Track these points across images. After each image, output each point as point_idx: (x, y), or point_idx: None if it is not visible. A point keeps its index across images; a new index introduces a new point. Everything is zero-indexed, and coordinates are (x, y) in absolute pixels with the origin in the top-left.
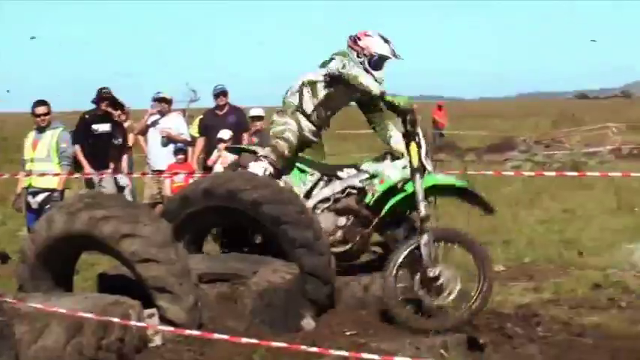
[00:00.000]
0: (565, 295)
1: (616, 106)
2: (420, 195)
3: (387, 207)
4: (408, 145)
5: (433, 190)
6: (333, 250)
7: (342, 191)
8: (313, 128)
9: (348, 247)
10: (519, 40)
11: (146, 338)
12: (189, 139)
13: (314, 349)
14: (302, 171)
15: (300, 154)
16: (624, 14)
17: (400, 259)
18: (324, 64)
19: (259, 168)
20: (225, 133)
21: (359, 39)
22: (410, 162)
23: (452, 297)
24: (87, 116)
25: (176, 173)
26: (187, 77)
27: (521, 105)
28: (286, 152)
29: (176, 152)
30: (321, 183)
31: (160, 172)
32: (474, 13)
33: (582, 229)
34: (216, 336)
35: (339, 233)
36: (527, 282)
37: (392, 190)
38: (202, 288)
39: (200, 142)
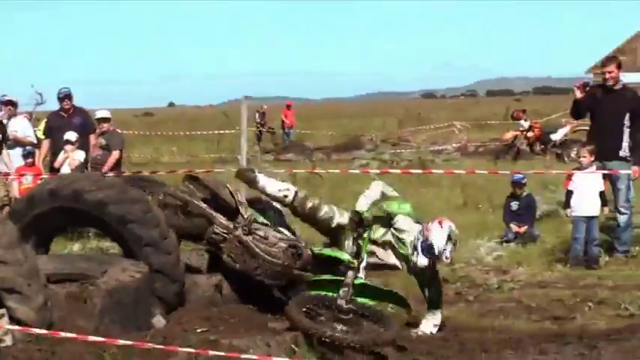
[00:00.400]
0: (413, 291)
1: (462, 105)
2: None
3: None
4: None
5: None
6: (264, 256)
7: None
8: None
9: (277, 261)
10: (364, 40)
11: None
12: (35, 141)
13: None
14: None
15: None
16: (468, 14)
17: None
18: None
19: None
20: (71, 135)
21: (432, 223)
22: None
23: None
24: None
25: (23, 175)
26: (32, 80)
27: (367, 105)
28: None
29: (25, 156)
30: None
31: (7, 174)
32: (319, 12)
33: None
34: (63, 334)
35: (276, 249)
36: (375, 278)
37: (334, 260)
38: (51, 288)
39: (45, 144)
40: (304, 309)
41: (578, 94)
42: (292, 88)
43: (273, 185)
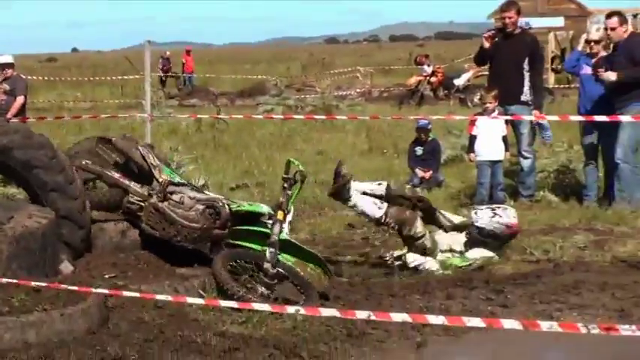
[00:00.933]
0: (321, 235)
1: (365, 51)
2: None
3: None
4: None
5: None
6: (181, 221)
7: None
8: None
9: (195, 225)
10: None
11: None
12: None
13: (74, 288)
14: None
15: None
16: None
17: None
18: None
19: None
20: None
21: None
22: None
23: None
24: None
25: None
26: None
27: (271, 50)
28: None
29: None
30: (188, 187)
31: None
32: None
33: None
34: None
35: (193, 213)
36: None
37: (254, 215)
38: None
39: None
40: (229, 264)
41: (486, 45)
42: (194, 34)
43: (368, 205)
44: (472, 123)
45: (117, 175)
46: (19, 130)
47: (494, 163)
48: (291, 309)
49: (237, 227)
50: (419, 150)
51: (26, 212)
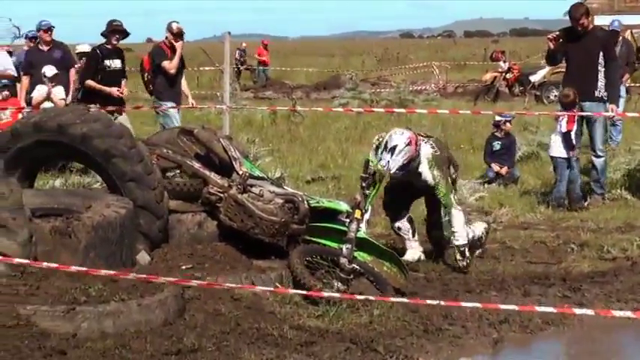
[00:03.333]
0: None
1: (439, 46)
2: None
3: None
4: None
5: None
6: (260, 214)
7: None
8: None
9: (274, 219)
10: None
11: None
12: (15, 74)
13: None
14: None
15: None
16: None
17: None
18: None
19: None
20: (49, 69)
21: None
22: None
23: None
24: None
25: (3, 109)
26: (10, 14)
27: (344, 44)
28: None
29: (1, 89)
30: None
31: None
32: None
33: None
34: (46, 265)
35: (272, 206)
36: None
37: (332, 212)
38: (36, 222)
39: (25, 80)
40: (306, 259)
41: (552, 46)
42: (268, 26)
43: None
44: (572, 120)
45: (197, 165)
46: (99, 119)
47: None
48: (361, 298)
49: (315, 224)
50: (497, 145)
51: (104, 202)
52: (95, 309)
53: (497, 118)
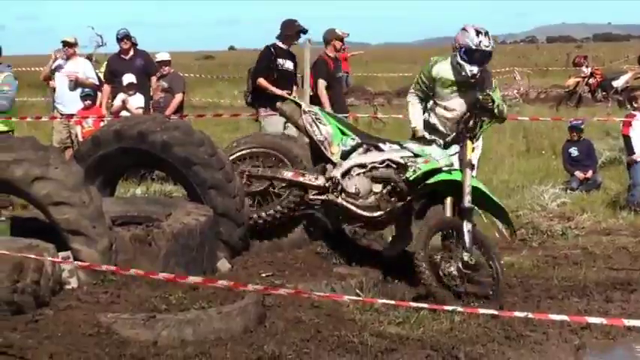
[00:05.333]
0: None
1: (522, 51)
2: (468, 187)
3: (431, 180)
4: (463, 141)
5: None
6: (361, 214)
7: (381, 162)
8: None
9: (377, 214)
10: None
11: (61, 281)
12: (97, 83)
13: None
14: (343, 133)
15: (344, 120)
16: None
17: (429, 241)
18: None
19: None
20: (129, 78)
21: (458, 33)
22: (462, 155)
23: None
24: None
25: (86, 117)
26: (93, 22)
27: (428, 50)
28: None
29: (84, 97)
30: (360, 149)
31: (70, 116)
32: None
33: (494, 171)
34: (133, 271)
35: (372, 199)
36: None
37: (433, 172)
38: (116, 231)
39: (107, 88)
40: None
41: None
42: (352, 33)
43: None
44: (627, 124)
45: (290, 175)
46: (180, 127)
47: None
48: (448, 308)
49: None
50: (574, 151)
51: (184, 209)
52: (175, 317)
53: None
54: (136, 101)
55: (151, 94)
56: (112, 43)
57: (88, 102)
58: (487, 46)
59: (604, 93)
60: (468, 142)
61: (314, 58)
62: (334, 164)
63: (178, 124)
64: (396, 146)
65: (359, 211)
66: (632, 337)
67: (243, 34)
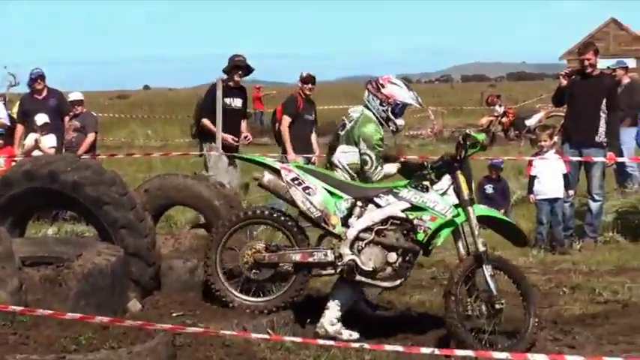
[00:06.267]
0: None
1: (437, 90)
2: (476, 229)
3: (439, 242)
4: (454, 173)
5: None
6: (383, 285)
7: (383, 222)
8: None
9: (398, 282)
10: (336, 25)
11: None
12: (8, 123)
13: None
14: (333, 194)
15: (326, 173)
16: None
17: (459, 286)
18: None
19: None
20: (40, 118)
21: (382, 86)
22: (460, 192)
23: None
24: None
25: None
26: (5, 61)
27: (345, 88)
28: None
29: None
30: (357, 210)
31: None
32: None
33: None
34: (40, 312)
35: (389, 269)
36: None
37: (441, 227)
38: (26, 271)
39: (20, 129)
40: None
41: (564, 83)
42: (265, 72)
43: None
44: (530, 164)
45: (298, 257)
46: (91, 167)
47: (552, 202)
48: (355, 345)
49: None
50: (489, 188)
51: (95, 249)
52: (85, 357)
53: (494, 161)
54: (49, 141)
55: (65, 133)
56: (25, 81)
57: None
58: (419, 100)
59: (517, 132)
60: (459, 174)
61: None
62: (337, 236)
63: (89, 163)
64: (391, 197)
65: (380, 284)
66: None
67: (158, 74)
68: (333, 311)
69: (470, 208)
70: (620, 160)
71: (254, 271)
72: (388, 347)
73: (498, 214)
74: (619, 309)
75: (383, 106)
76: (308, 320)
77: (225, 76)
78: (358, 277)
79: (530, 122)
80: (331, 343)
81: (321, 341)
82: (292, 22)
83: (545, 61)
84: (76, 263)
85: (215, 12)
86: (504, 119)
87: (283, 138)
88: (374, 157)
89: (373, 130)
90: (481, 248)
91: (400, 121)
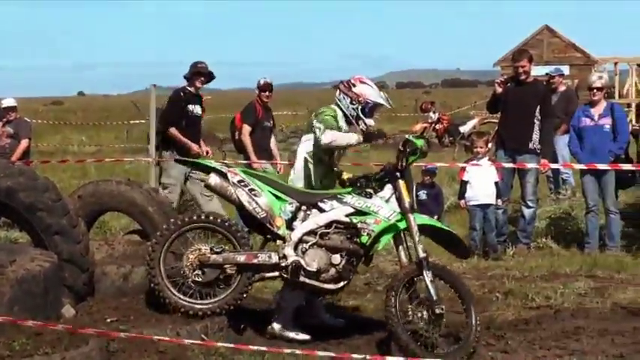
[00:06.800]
0: None
1: None
2: (416, 235)
3: (381, 246)
4: (395, 181)
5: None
6: (326, 288)
7: (327, 225)
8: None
9: (341, 285)
10: (271, 32)
11: None
12: None
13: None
14: (278, 198)
15: (271, 177)
16: (376, 5)
17: (400, 292)
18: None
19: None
20: None
21: (353, 85)
22: (401, 200)
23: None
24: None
25: None
26: None
27: (280, 95)
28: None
29: None
30: (301, 214)
31: None
32: (224, 7)
33: None
34: None
35: (333, 271)
36: None
37: (385, 230)
38: None
39: None
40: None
41: (499, 90)
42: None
43: None
44: (463, 169)
45: (243, 258)
46: (24, 173)
47: (485, 208)
48: (287, 350)
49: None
50: (422, 194)
51: (29, 255)
52: None
53: (429, 166)
54: None
55: None
56: None
57: None
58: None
59: (451, 138)
60: (400, 182)
61: (162, 103)
62: (282, 238)
63: (23, 169)
64: (335, 203)
65: (324, 286)
66: None
67: (93, 80)
68: (280, 313)
69: (411, 216)
70: (553, 166)
71: (198, 273)
72: (321, 353)
73: (441, 224)
74: (551, 314)
75: (353, 104)
76: (242, 326)
77: (184, 83)
78: (302, 279)
79: (465, 129)
80: (263, 348)
81: (253, 347)
82: (226, 29)
83: (480, 67)
84: (9, 269)
85: (148, 19)
86: (438, 126)
87: (246, 147)
88: (322, 126)
89: (326, 110)
90: (422, 255)
91: (370, 121)
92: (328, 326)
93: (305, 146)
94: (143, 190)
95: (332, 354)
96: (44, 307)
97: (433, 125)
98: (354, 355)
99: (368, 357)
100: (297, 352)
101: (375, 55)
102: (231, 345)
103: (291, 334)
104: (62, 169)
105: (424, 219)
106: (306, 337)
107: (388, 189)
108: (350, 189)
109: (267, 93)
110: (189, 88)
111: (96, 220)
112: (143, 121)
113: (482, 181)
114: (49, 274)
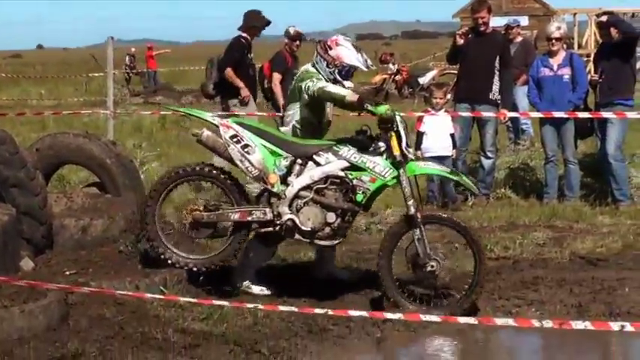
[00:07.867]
0: None
1: None
2: (408, 191)
3: (379, 197)
4: (386, 135)
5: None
6: (322, 244)
7: (323, 181)
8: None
9: (336, 242)
10: None
11: None
12: None
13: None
14: (273, 153)
15: (266, 129)
16: None
17: (392, 249)
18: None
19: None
20: None
21: (330, 48)
22: (391, 154)
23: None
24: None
25: None
26: None
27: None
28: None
29: None
30: (296, 168)
31: None
32: None
33: None
34: None
35: (328, 229)
36: None
37: (380, 188)
38: None
39: None
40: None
41: (460, 42)
42: (161, 32)
43: None
44: (420, 120)
45: (237, 216)
46: None
47: (442, 159)
48: (249, 305)
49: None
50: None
51: None
52: None
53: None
54: None
55: None
56: None
57: None
58: (368, 63)
59: (410, 90)
60: (392, 135)
61: (120, 56)
62: (276, 195)
63: None
64: (331, 155)
65: (319, 243)
66: (431, 329)
67: (51, 33)
68: (245, 267)
69: (401, 170)
70: (511, 114)
71: (193, 229)
72: (282, 307)
73: (437, 170)
74: (510, 264)
75: (330, 67)
76: (200, 278)
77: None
78: (297, 236)
79: (424, 80)
80: (225, 303)
81: (214, 301)
82: None
83: (441, 19)
84: None
85: None
86: (398, 77)
87: (276, 94)
88: (314, 78)
89: (310, 73)
90: (411, 211)
91: (348, 84)
92: (334, 280)
93: (292, 116)
94: (101, 142)
95: (294, 308)
96: (2, 260)
97: (392, 77)
98: (317, 310)
99: (330, 311)
100: (260, 306)
101: (334, 6)
102: (191, 299)
103: (255, 290)
104: (21, 122)
105: (420, 169)
106: (267, 291)
107: (382, 142)
108: (346, 141)
109: (297, 42)
110: (246, 37)
111: (54, 173)
112: (102, 74)
113: (438, 132)
114: (7, 227)
